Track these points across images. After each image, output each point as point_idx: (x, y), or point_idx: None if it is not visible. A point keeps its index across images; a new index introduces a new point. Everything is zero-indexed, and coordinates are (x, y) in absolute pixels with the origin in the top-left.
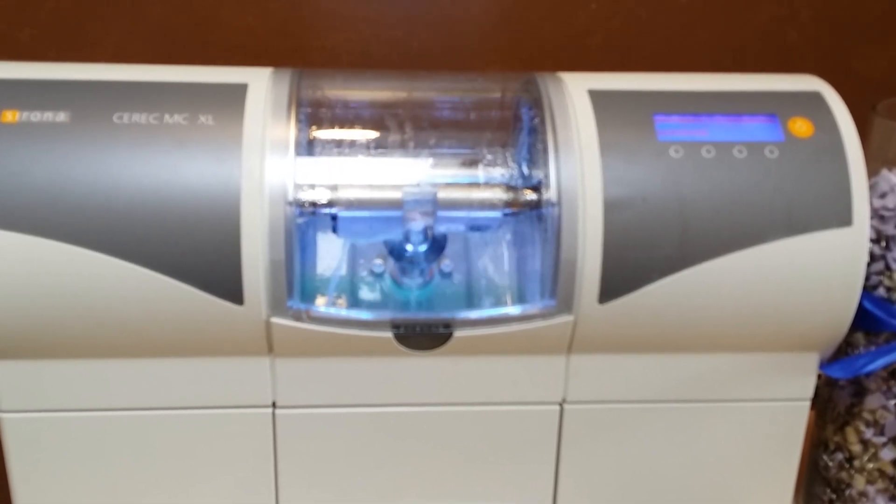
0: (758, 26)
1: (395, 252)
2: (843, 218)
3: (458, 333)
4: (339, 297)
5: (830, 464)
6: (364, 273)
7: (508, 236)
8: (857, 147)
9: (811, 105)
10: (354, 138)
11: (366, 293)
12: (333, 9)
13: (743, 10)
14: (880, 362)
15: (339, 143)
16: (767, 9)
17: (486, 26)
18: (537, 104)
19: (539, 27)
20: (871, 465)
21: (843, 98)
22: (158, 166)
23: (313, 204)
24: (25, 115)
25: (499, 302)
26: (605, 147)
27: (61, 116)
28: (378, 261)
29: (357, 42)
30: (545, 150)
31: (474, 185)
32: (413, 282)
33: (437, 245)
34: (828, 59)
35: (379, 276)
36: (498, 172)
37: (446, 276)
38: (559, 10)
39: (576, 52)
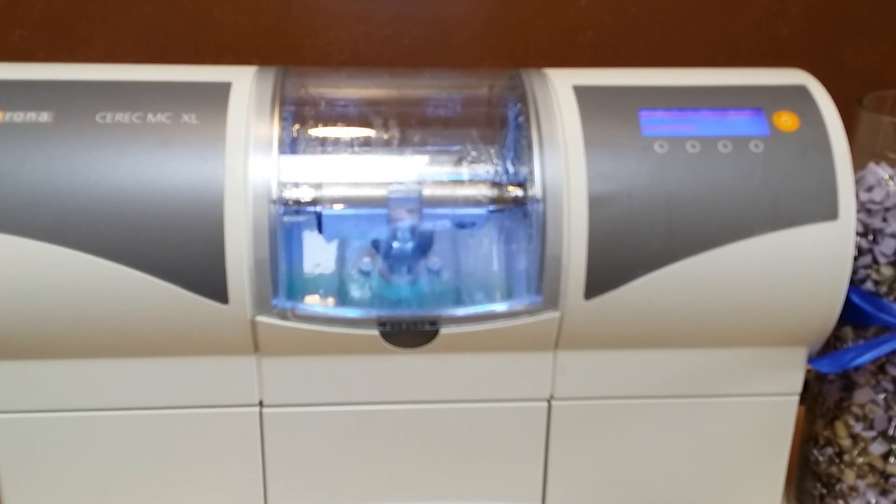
0: (749, 21)
1: (383, 250)
2: (829, 211)
3: (445, 330)
4: (324, 295)
5: (821, 458)
6: (352, 271)
7: (495, 233)
8: (843, 140)
9: (797, 99)
10: (339, 136)
11: (352, 291)
12: (324, 7)
13: (734, 4)
14: (868, 356)
15: (323, 141)
16: (758, 3)
17: (477, 24)
18: (522, 100)
19: (530, 24)
20: (860, 460)
21: (834, 92)
22: (142, 166)
23: (297, 202)
24: (8, 115)
25: (485, 299)
26: (590, 143)
27: (44, 116)
28: (366, 259)
29: (348, 40)
30: (530, 147)
31: (459, 182)
32: (401, 279)
33: (425, 242)
34: (819, 54)
35: (367, 274)
36: (483, 169)
37: (434, 273)
38: (550, 7)
39: (567, 49)
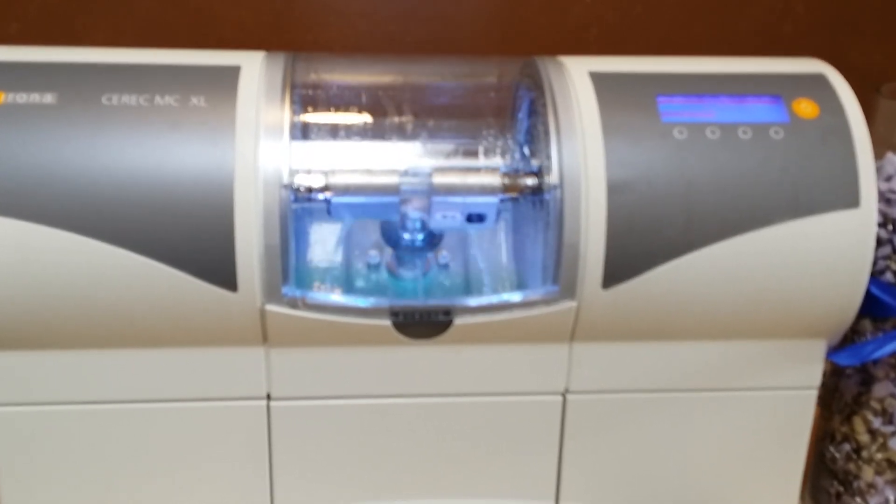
0: (753, 19)
1: (392, 241)
2: (850, 199)
3: (459, 321)
4: (335, 283)
5: (837, 455)
6: (360, 265)
7: (510, 221)
8: (863, 128)
9: (816, 86)
10: (350, 122)
11: (363, 280)
12: (327, 3)
13: (738, 3)
14: (888, 349)
15: (334, 127)
16: (763, 2)
17: (481, 21)
18: (538, 87)
19: (534, 21)
20: (879, 456)
21: None
22: (149, 149)
23: (309, 188)
24: (11, 96)
25: (500, 288)
26: (608, 129)
27: (48, 98)
28: (373, 252)
29: (351, 37)
30: (547, 134)
31: (474, 170)
32: (409, 273)
33: (435, 234)
34: (823, 52)
35: (375, 268)
36: (499, 157)
37: (443, 267)
38: (554, 4)
39: (571, 46)
